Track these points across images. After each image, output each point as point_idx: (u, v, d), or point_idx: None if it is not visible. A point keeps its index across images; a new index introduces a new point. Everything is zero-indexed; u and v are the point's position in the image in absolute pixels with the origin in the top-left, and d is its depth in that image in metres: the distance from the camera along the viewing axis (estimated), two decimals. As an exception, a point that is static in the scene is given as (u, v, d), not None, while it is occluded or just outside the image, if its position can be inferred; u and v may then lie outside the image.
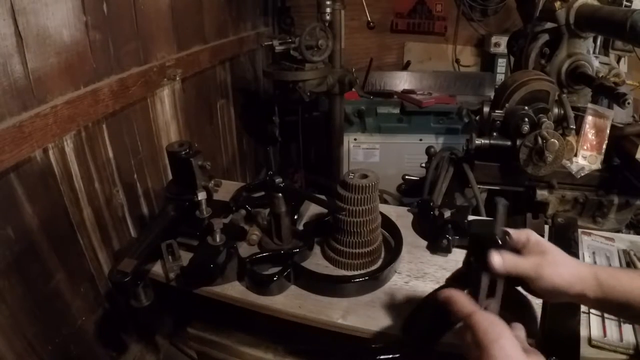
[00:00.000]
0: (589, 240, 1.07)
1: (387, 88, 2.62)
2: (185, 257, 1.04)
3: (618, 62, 1.46)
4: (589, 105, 1.25)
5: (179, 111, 1.65)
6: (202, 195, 1.06)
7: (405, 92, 2.45)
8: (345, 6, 1.96)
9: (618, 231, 1.27)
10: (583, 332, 0.83)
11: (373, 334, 0.89)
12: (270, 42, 1.77)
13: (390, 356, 0.72)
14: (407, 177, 1.56)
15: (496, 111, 1.19)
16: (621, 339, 0.81)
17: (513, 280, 0.63)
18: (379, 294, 0.97)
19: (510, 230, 0.66)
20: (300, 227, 1.16)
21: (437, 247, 1.07)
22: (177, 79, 1.57)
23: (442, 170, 1.33)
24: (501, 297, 0.63)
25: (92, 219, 1.22)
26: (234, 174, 2.30)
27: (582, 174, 1.20)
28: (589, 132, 1.23)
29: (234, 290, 0.99)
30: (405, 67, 2.79)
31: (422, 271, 1.03)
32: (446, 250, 1.06)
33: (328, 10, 1.79)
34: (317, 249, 1.11)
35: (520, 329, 0.61)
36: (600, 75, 1.24)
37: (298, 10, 2.64)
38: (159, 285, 1.05)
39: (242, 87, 2.28)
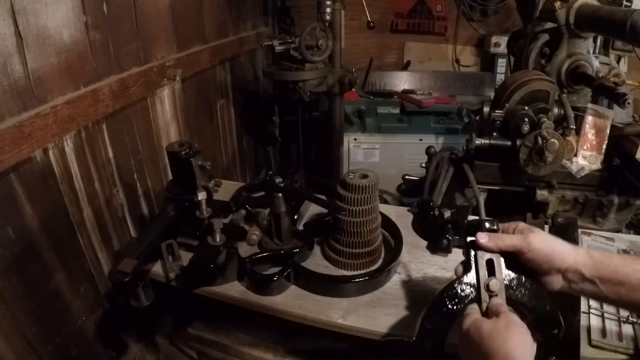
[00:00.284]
0: (589, 240, 1.07)
1: (387, 88, 2.61)
2: (185, 257, 1.04)
3: (618, 62, 1.46)
4: (589, 105, 1.25)
5: (179, 111, 1.65)
6: (202, 195, 1.06)
7: (405, 92, 2.44)
8: (345, 6, 1.96)
9: (618, 231, 1.27)
10: (583, 332, 0.84)
11: (373, 333, 0.89)
12: (270, 42, 1.77)
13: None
14: (407, 177, 1.56)
15: (496, 111, 1.19)
16: (621, 339, 0.82)
17: (513, 265, 0.66)
18: (379, 294, 0.97)
19: (502, 225, 0.70)
20: (300, 227, 1.16)
21: (437, 247, 1.07)
22: (177, 79, 1.57)
23: (442, 170, 1.33)
24: (502, 275, 0.66)
25: (92, 219, 1.22)
26: (234, 174, 2.30)
27: (582, 174, 1.20)
28: (589, 132, 1.23)
29: (234, 290, 0.99)
30: (405, 67, 2.79)
31: (422, 271, 1.03)
32: (446, 250, 1.06)
33: (328, 10, 1.79)
34: (317, 249, 1.11)
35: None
36: (600, 75, 1.24)
37: (298, 10, 2.64)
38: (159, 285, 1.05)
39: (242, 87, 2.28)
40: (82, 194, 1.18)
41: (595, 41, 1.37)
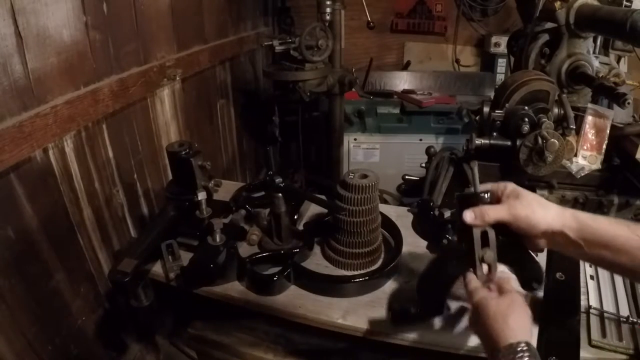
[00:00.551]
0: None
1: (387, 88, 2.61)
2: (185, 257, 1.04)
3: (618, 62, 1.46)
4: (589, 105, 1.25)
5: (179, 111, 1.65)
6: (202, 195, 1.06)
7: (405, 92, 2.44)
8: (345, 6, 1.96)
9: (618, 231, 1.27)
10: (583, 332, 0.84)
11: (373, 334, 0.89)
12: (270, 42, 1.77)
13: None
14: (407, 177, 1.56)
15: (496, 111, 1.19)
16: (621, 339, 0.81)
17: (503, 230, 0.71)
18: (379, 294, 0.97)
19: (490, 184, 0.74)
20: (300, 227, 1.16)
21: (437, 247, 1.07)
22: (177, 79, 1.57)
23: (442, 170, 1.33)
24: (495, 245, 0.70)
25: (92, 219, 1.22)
26: (234, 174, 2.30)
27: (582, 174, 1.20)
28: (589, 132, 1.23)
29: (234, 290, 0.99)
30: (405, 67, 2.79)
31: (422, 271, 1.02)
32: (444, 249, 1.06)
33: (328, 10, 1.79)
34: (317, 249, 1.11)
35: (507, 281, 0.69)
36: (600, 75, 1.24)
37: (298, 10, 2.63)
38: (159, 285, 1.05)
39: (242, 87, 2.28)
40: (82, 194, 1.18)
41: (595, 41, 1.37)
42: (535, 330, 0.85)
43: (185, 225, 1.12)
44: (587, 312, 0.88)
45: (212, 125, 2.01)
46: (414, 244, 1.11)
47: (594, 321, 0.86)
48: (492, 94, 1.87)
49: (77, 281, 1.17)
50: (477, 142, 1.17)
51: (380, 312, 0.92)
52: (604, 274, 0.99)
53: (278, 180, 1.06)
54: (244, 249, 1.09)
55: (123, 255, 1.03)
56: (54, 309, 1.10)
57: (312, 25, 1.76)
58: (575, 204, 1.25)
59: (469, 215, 0.70)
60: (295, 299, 0.97)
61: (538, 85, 1.19)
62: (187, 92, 1.70)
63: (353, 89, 2.13)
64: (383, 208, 1.12)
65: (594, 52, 1.36)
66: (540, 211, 0.68)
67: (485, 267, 0.71)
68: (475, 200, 0.72)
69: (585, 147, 1.23)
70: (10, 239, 0.97)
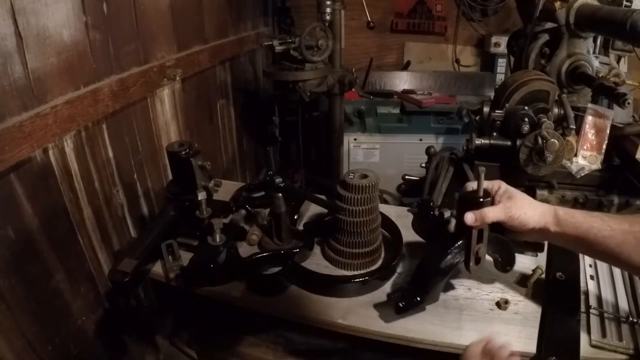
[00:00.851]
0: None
1: (387, 88, 2.61)
2: (185, 257, 1.04)
3: (618, 62, 1.46)
4: (589, 105, 1.24)
5: (179, 111, 1.65)
6: (202, 195, 1.06)
7: (405, 92, 2.44)
8: (345, 6, 1.96)
9: (618, 231, 1.27)
10: (583, 332, 0.84)
11: (373, 334, 0.89)
12: (270, 42, 1.77)
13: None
14: (407, 177, 1.56)
15: (496, 111, 1.19)
16: (621, 339, 0.81)
17: (496, 227, 0.81)
18: (379, 294, 0.97)
19: (485, 183, 0.81)
20: (300, 227, 1.16)
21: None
22: (177, 79, 1.57)
23: (442, 170, 1.33)
24: (487, 240, 0.82)
25: (92, 219, 1.22)
26: (234, 174, 2.30)
27: (582, 174, 1.20)
28: (589, 132, 1.23)
29: (234, 290, 0.99)
30: (405, 67, 2.79)
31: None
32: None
33: (328, 10, 1.79)
34: (317, 249, 1.11)
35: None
36: (600, 75, 1.24)
37: (298, 10, 2.63)
38: (159, 285, 1.05)
39: (242, 87, 2.28)
40: (82, 194, 1.18)
41: (595, 41, 1.37)
42: (535, 331, 0.85)
43: (185, 225, 1.12)
44: (587, 312, 0.88)
45: (212, 125, 2.01)
46: (414, 244, 1.11)
47: (594, 321, 0.86)
48: (492, 94, 1.87)
49: (77, 281, 1.17)
50: (477, 142, 1.17)
51: (381, 312, 0.92)
52: (604, 274, 0.99)
53: (278, 180, 1.06)
54: (244, 249, 1.09)
55: (123, 255, 1.03)
56: (54, 309, 1.10)
57: (312, 25, 1.76)
58: (575, 204, 1.25)
59: (470, 218, 0.78)
60: (295, 299, 0.97)
61: (538, 85, 1.19)
62: (187, 92, 1.70)
63: (353, 89, 2.13)
64: (383, 208, 1.12)
65: (594, 52, 1.36)
66: (529, 211, 0.78)
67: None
68: (476, 203, 0.79)
69: (585, 147, 1.23)
70: (10, 239, 0.97)
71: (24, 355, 1.01)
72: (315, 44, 1.76)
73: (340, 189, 0.99)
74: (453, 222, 0.85)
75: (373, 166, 2.28)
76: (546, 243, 1.02)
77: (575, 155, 1.22)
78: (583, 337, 0.82)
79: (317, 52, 1.79)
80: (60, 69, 1.07)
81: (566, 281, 0.94)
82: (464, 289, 0.98)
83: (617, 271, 0.99)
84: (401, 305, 0.85)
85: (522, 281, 0.99)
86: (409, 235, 1.12)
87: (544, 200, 1.25)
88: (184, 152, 1.11)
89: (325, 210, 1.14)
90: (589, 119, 1.22)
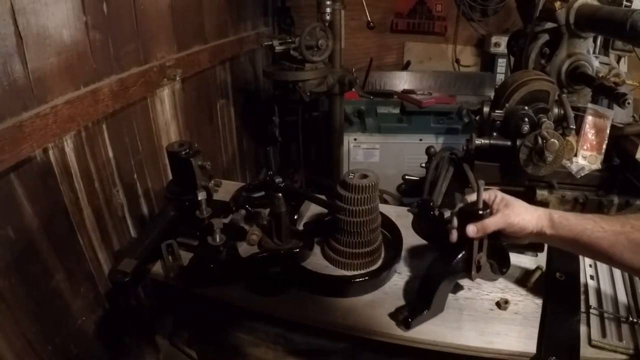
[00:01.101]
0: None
1: (387, 88, 2.61)
2: (185, 257, 1.04)
3: (618, 62, 1.46)
4: (589, 105, 1.24)
5: (179, 111, 1.65)
6: (202, 195, 1.06)
7: (405, 92, 2.44)
8: (345, 6, 1.95)
9: (618, 231, 1.26)
10: (583, 332, 0.84)
11: (373, 333, 0.89)
12: (270, 42, 1.77)
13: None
14: (407, 177, 1.56)
15: (496, 111, 1.19)
16: (621, 339, 0.81)
17: (494, 235, 0.84)
18: (379, 294, 0.97)
19: (484, 194, 0.84)
20: (300, 227, 1.16)
21: (437, 246, 1.07)
22: (177, 79, 1.57)
23: (442, 170, 1.33)
24: (487, 248, 0.85)
25: (92, 219, 1.22)
26: (234, 174, 2.30)
27: (582, 174, 1.20)
28: (589, 132, 1.22)
29: (234, 290, 0.99)
30: (405, 67, 2.79)
31: (422, 271, 1.02)
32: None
33: (328, 10, 1.79)
34: (317, 249, 1.11)
35: None
36: (600, 75, 1.24)
37: (298, 10, 2.63)
38: (159, 285, 1.05)
39: (242, 87, 2.28)
40: (82, 194, 1.18)
41: (595, 41, 1.36)
42: (535, 331, 0.85)
43: (185, 225, 1.11)
44: (587, 312, 0.88)
45: (212, 125, 2.01)
46: (414, 244, 1.11)
47: (594, 321, 0.86)
48: (492, 94, 1.87)
49: (77, 281, 1.17)
50: (477, 142, 1.17)
51: (381, 312, 0.92)
52: (604, 274, 0.99)
53: (278, 180, 1.06)
54: (244, 249, 1.09)
55: (123, 255, 1.03)
56: (54, 309, 1.10)
57: (312, 25, 1.76)
58: (575, 204, 1.25)
59: (472, 230, 0.81)
60: (295, 299, 0.97)
61: (538, 85, 1.18)
62: (187, 92, 1.70)
63: (353, 89, 2.13)
64: (383, 208, 1.12)
65: (594, 52, 1.36)
66: (527, 215, 0.81)
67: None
68: (476, 215, 0.82)
69: (585, 147, 1.23)
70: (10, 239, 0.97)
71: (24, 355, 1.01)
72: (315, 44, 1.76)
73: (340, 189, 0.99)
74: (454, 234, 0.86)
75: (373, 166, 2.28)
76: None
77: (575, 155, 1.22)
78: (583, 337, 0.82)
79: (317, 52, 1.79)
80: (60, 69, 1.07)
81: (566, 281, 0.94)
82: (464, 289, 0.98)
83: (617, 271, 0.99)
84: (410, 321, 0.87)
85: (522, 281, 0.99)
86: (409, 235, 1.12)
87: (544, 200, 1.25)
88: (184, 152, 1.11)
89: (325, 210, 1.14)
90: (589, 119, 1.22)
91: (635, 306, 0.89)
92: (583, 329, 0.84)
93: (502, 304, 0.92)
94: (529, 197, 1.26)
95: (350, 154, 2.39)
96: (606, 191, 1.22)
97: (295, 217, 1.18)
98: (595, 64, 1.31)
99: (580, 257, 1.01)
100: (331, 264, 1.06)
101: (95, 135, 1.21)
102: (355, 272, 1.02)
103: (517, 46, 1.61)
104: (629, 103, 1.09)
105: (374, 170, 1.00)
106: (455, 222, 0.87)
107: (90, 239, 1.22)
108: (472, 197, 0.87)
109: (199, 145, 1.16)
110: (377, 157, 2.40)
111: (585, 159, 1.23)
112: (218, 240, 0.99)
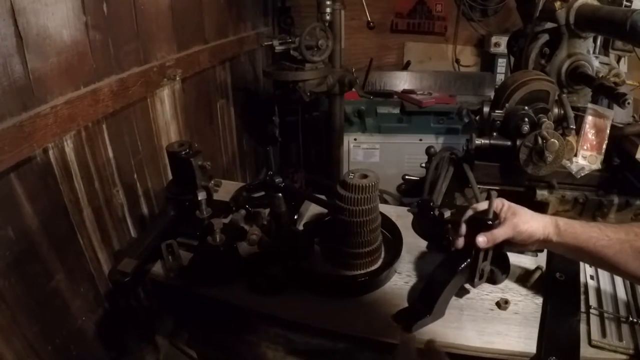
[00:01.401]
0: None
1: (387, 88, 2.61)
2: (185, 257, 1.04)
3: (618, 62, 1.46)
4: (589, 105, 1.24)
5: (179, 111, 1.65)
6: (202, 195, 1.06)
7: (405, 92, 2.44)
8: (345, 6, 1.95)
9: (618, 231, 1.26)
10: (583, 332, 0.83)
11: (374, 334, 0.89)
12: (270, 42, 1.77)
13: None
14: (407, 177, 1.56)
15: (496, 111, 1.19)
16: (621, 339, 0.81)
17: (500, 243, 0.84)
18: (379, 294, 0.97)
19: (493, 203, 0.84)
20: (300, 227, 1.16)
21: (437, 247, 1.07)
22: (177, 79, 1.57)
23: (442, 170, 1.33)
24: (491, 258, 0.87)
25: (92, 219, 1.22)
26: (234, 174, 2.30)
27: (582, 174, 1.20)
28: (589, 132, 1.22)
29: (234, 290, 0.99)
30: (405, 67, 2.79)
31: (422, 271, 1.03)
32: (446, 251, 1.06)
33: (328, 10, 1.79)
34: (317, 249, 1.11)
35: None
36: (600, 75, 1.24)
37: (298, 10, 2.63)
38: (159, 285, 1.05)
39: (242, 87, 2.28)
40: (82, 194, 1.18)
41: (595, 41, 1.36)
42: (535, 331, 0.85)
43: (185, 225, 1.11)
44: (587, 312, 0.88)
45: (212, 125, 2.01)
46: (414, 244, 1.11)
47: (594, 321, 0.86)
48: (492, 94, 1.87)
49: (77, 281, 1.17)
50: (477, 142, 1.17)
51: (381, 312, 0.92)
52: (604, 274, 0.99)
53: (278, 180, 1.06)
54: (244, 249, 1.09)
55: (123, 255, 1.03)
56: (54, 309, 1.10)
57: (312, 25, 1.76)
58: (575, 204, 1.25)
59: (483, 241, 0.82)
60: (295, 299, 0.96)
61: (538, 85, 1.18)
62: (187, 92, 1.70)
63: (353, 89, 2.13)
64: (383, 208, 1.12)
65: (594, 52, 1.36)
66: (534, 223, 0.81)
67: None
68: (486, 226, 0.83)
69: (585, 147, 1.23)
70: (10, 239, 0.97)
71: (24, 355, 1.01)
72: (315, 44, 1.76)
73: (340, 189, 0.99)
74: (461, 241, 0.87)
75: (373, 166, 2.28)
76: None
77: (575, 155, 1.22)
78: (583, 337, 0.82)
79: (317, 52, 1.79)
80: (60, 69, 1.07)
81: (566, 281, 0.94)
82: (464, 289, 0.98)
83: (617, 271, 0.99)
84: (412, 325, 0.87)
85: (522, 281, 0.99)
86: (409, 235, 1.12)
87: (544, 200, 1.25)
88: (184, 152, 1.11)
89: (325, 210, 1.14)
90: (589, 119, 1.22)
91: (635, 306, 0.89)
92: (583, 328, 0.84)
93: (502, 304, 0.92)
94: (529, 197, 1.26)
95: (350, 154, 2.39)
96: (606, 191, 1.22)
97: (295, 217, 1.18)
98: (595, 64, 1.31)
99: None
100: (331, 264, 1.06)
101: (95, 135, 1.21)
102: (355, 272, 1.02)
103: (517, 46, 1.61)
104: (629, 103, 1.09)
105: (374, 170, 1.00)
106: (463, 229, 0.88)
107: (90, 239, 1.22)
108: (480, 206, 0.87)
109: (199, 145, 1.16)
110: (377, 157, 2.40)
111: (585, 159, 1.23)
112: (218, 240, 0.99)
